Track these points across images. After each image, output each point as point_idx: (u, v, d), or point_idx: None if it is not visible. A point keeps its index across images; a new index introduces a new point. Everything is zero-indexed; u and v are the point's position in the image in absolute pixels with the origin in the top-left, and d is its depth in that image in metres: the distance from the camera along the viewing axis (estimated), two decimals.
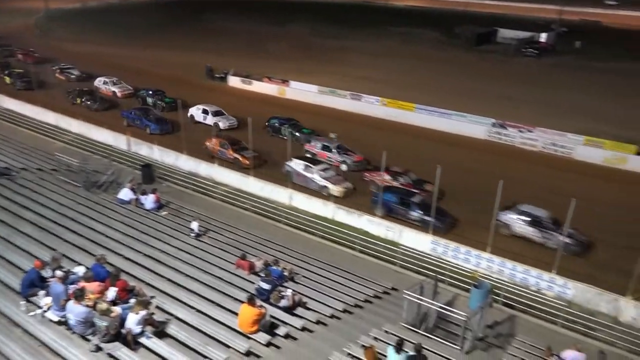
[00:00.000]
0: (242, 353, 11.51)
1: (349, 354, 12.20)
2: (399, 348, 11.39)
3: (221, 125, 35.05)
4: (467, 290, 17.72)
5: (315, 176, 26.49)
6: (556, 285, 19.07)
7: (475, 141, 34.86)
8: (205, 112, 36.22)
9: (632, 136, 32.86)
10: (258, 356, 11.70)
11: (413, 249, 20.89)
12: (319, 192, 25.90)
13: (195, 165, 28.43)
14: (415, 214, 23.36)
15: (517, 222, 22.54)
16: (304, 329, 13.20)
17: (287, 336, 12.67)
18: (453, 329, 14.34)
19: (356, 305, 15.59)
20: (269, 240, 20.12)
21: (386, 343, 12.40)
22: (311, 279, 16.69)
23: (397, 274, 19.59)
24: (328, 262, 18.70)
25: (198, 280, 14.91)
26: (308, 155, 29.72)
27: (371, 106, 40.73)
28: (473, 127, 36.11)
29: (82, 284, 11.94)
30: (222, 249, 18.11)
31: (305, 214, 23.51)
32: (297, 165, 27.24)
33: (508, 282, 19.01)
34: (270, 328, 12.59)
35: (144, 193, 22.07)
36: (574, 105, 41.56)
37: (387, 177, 25.70)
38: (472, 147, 33.64)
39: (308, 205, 24.69)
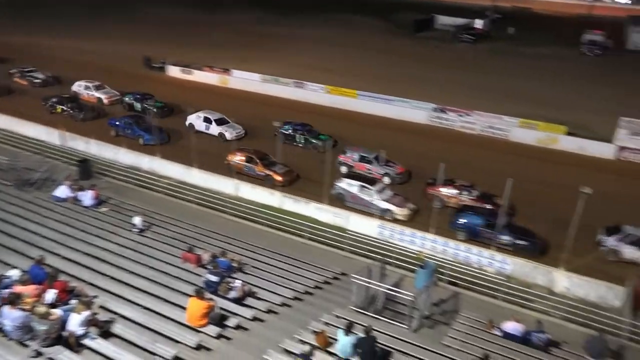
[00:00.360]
0: (192, 347, 11.37)
1: (301, 340, 12.30)
2: (348, 330, 11.61)
3: (227, 135, 31.32)
4: (413, 271, 18.22)
5: (375, 198, 23.53)
6: (496, 262, 20.02)
7: (417, 126, 35.69)
8: (207, 120, 32.13)
9: (562, 117, 34.75)
10: (209, 349, 11.60)
11: (360, 233, 21.26)
12: (382, 216, 22.90)
13: (136, 158, 27.49)
14: (505, 238, 21.28)
15: (626, 247, 20.91)
16: (255, 318, 13.19)
17: (237, 327, 12.61)
18: (401, 309, 14.73)
19: (306, 292, 15.70)
20: (215, 232, 19.84)
21: (337, 327, 12.57)
22: (260, 269, 16.63)
23: (346, 259, 19.84)
24: (277, 251, 18.67)
25: (143, 277, 14.55)
26: (343, 169, 27.33)
27: (315, 94, 40.74)
28: (415, 112, 36.87)
29: (17, 287, 11.38)
30: (167, 243, 17.73)
31: (252, 204, 23.32)
32: (349, 185, 24.35)
33: (452, 261, 19.74)
34: (220, 320, 12.48)
35: (81, 189, 21.19)
36: (508, 89, 43.34)
37: (453, 191, 24.28)
38: (415, 131, 34.44)
39: (254, 195, 24.50)
